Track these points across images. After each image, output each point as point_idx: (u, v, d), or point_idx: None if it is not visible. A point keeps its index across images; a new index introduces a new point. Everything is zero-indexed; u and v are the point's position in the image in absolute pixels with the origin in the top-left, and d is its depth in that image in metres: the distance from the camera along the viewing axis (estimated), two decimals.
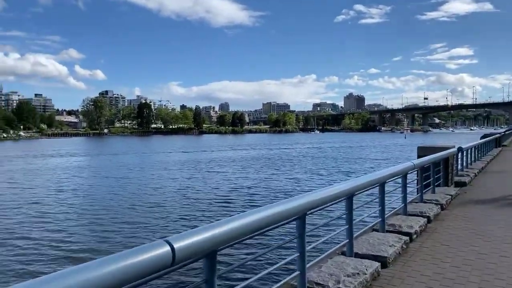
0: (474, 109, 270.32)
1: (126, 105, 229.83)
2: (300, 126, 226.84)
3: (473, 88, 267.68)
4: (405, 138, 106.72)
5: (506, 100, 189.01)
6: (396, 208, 6.58)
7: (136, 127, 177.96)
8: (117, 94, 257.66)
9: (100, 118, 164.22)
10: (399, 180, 6.47)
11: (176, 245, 1.91)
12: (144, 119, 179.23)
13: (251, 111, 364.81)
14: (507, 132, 41.83)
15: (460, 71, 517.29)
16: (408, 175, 6.76)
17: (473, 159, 15.65)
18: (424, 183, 8.16)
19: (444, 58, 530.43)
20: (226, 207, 16.11)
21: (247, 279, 3.00)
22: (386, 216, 5.66)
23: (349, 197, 4.47)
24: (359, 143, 77.61)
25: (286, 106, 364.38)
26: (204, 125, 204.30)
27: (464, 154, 13.31)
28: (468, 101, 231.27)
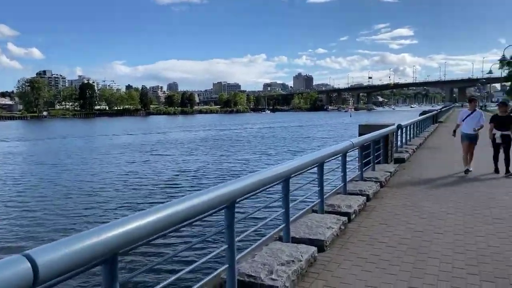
0: (414, 88, 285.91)
1: (67, 85, 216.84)
2: (251, 106, 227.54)
3: (414, 67, 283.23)
4: (350, 116, 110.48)
5: (443, 79, 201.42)
6: (336, 187, 6.50)
7: (78, 109, 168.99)
8: (57, 74, 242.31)
9: (38, 100, 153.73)
10: (340, 159, 6.37)
11: (40, 261, 1.47)
12: (87, 101, 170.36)
13: (201, 91, 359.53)
14: (443, 109, 44.46)
15: (402, 51, 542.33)
16: (349, 153, 6.71)
17: (412, 135, 16.26)
18: (364, 161, 8.21)
19: (387, 39, 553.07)
20: (164, 195, 15.23)
21: (166, 279, 2.63)
22: (325, 196, 5.52)
23: (285, 179, 4.23)
24: (307, 122, 79.12)
25: (237, 86, 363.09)
26: (151, 106, 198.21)
27: (404, 131, 13.73)
28: (409, 80, 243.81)
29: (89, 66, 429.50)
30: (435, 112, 30.69)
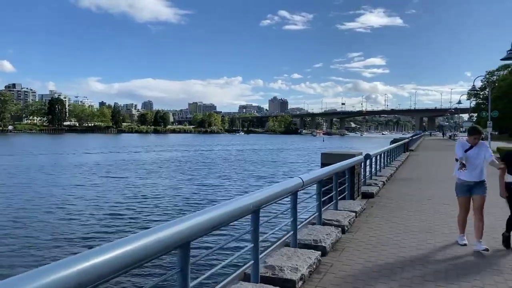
0: (386, 115, 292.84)
1: (37, 100, 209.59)
2: (226, 127, 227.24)
3: (385, 95, 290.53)
4: (323, 141, 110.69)
5: (413, 107, 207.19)
6: (282, 238, 4.99)
7: (46, 124, 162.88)
8: (27, 88, 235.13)
9: (3, 113, 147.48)
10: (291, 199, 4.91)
11: None
12: (56, 116, 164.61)
13: (176, 110, 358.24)
14: (414, 137, 44.32)
15: (374, 80, 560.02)
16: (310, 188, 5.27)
17: (382, 165, 15.12)
18: (325, 198, 6.79)
19: (360, 67, 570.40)
20: (105, 228, 13.42)
21: None
22: (261, 256, 3.99)
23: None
24: (280, 146, 78.13)
25: (212, 106, 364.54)
26: (124, 123, 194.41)
27: (373, 160, 12.52)
28: (381, 108, 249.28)
29: (63, 81, 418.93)
30: (407, 140, 30.04)
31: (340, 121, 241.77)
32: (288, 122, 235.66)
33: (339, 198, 7.70)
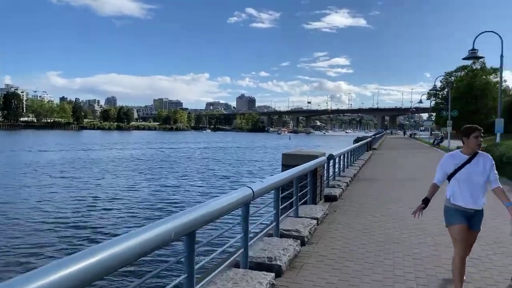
0: (350, 114, 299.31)
1: None
2: (192, 125, 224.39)
3: (349, 95, 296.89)
4: (289, 139, 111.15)
5: (375, 106, 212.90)
6: (230, 258, 4.24)
7: (1, 120, 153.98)
8: None
9: None
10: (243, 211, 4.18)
11: None
12: (12, 111, 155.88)
13: (141, 107, 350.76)
14: (376, 136, 44.94)
15: (338, 79, 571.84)
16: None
17: (345, 165, 14.74)
18: (285, 204, 6.14)
19: (326, 66, 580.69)
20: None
21: None
22: (201, 284, 3.22)
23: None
24: (246, 144, 77.51)
25: (179, 103, 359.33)
26: (86, 120, 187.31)
27: (337, 160, 12.06)
28: (345, 107, 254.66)
29: (21, 75, 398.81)
30: (370, 139, 30.15)
31: (306, 119, 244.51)
32: (255, 120, 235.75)
33: (300, 203, 7.08)
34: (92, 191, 19.14)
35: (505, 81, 72.94)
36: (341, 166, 13.34)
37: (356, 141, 27.14)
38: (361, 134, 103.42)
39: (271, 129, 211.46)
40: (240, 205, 3.94)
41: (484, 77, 72.57)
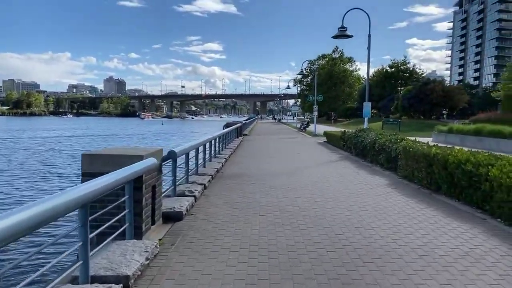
0: (224, 99, 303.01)
1: None
2: (51, 109, 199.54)
3: (223, 80, 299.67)
4: (162, 124, 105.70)
5: (248, 92, 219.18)
6: None
7: None
8: None
9: None
10: None
11: None
12: None
13: None
14: (248, 121, 43.99)
15: (212, 64, 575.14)
16: None
17: (209, 156, 12.09)
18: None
19: (199, 51, 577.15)
20: None
21: None
22: None
23: None
24: (112, 131, 69.94)
25: (35, 85, 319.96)
26: None
27: (193, 155, 9.25)
28: (219, 92, 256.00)
29: None
30: (240, 124, 28.33)
31: (180, 104, 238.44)
32: (125, 104, 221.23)
33: (110, 238, 4.07)
34: None
35: (358, 69, 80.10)
36: (202, 160, 10.62)
37: (226, 126, 24.95)
38: (235, 118, 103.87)
39: (142, 114, 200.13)
40: None
41: (342, 65, 78.76)
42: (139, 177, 4.76)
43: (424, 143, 10.40)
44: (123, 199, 4.66)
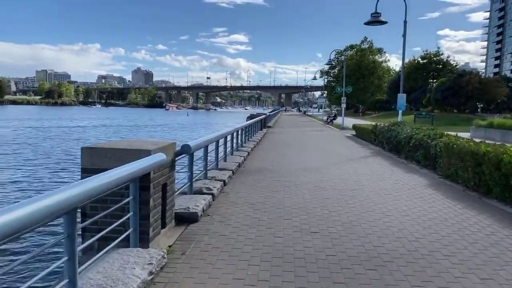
0: (249, 91, 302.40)
1: None
2: (81, 99, 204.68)
3: (248, 72, 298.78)
4: (187, 115, 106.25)
5: (272, 84, 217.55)
6: None
7: None
8: None
9: None
10: None
11: None
12: None
13: (21, 78, 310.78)
14: (272, 113, 43.16)
15: (237, 56, 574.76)
16: None
17: (231, 148, 11.46)
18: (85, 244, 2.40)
19: (225, 43, 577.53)
20: None
21: None
22: None
23: None
24: (138, 122, 70.58)
25: (66, 75, 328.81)
26: None
27: (212, 148, 8.61)
28: (244, 84, 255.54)
29: None
30: (264, 116, 27.54)
31: (206, 95, 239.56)
32: (152, 95, 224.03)
33: (112, 245, 3.48)
34: None
35: (388, 60, 77.57)
36: (223, 153, 9.98)
37: (249, 118, 24.30)
38: (260, 110, 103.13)
39: (169, 104, 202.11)
40: None
41: (371, 56, 76.29)
42: (146, 175, 4.11)
43: (468, 139, 9.37)
44: (127, 199, 4.05)
